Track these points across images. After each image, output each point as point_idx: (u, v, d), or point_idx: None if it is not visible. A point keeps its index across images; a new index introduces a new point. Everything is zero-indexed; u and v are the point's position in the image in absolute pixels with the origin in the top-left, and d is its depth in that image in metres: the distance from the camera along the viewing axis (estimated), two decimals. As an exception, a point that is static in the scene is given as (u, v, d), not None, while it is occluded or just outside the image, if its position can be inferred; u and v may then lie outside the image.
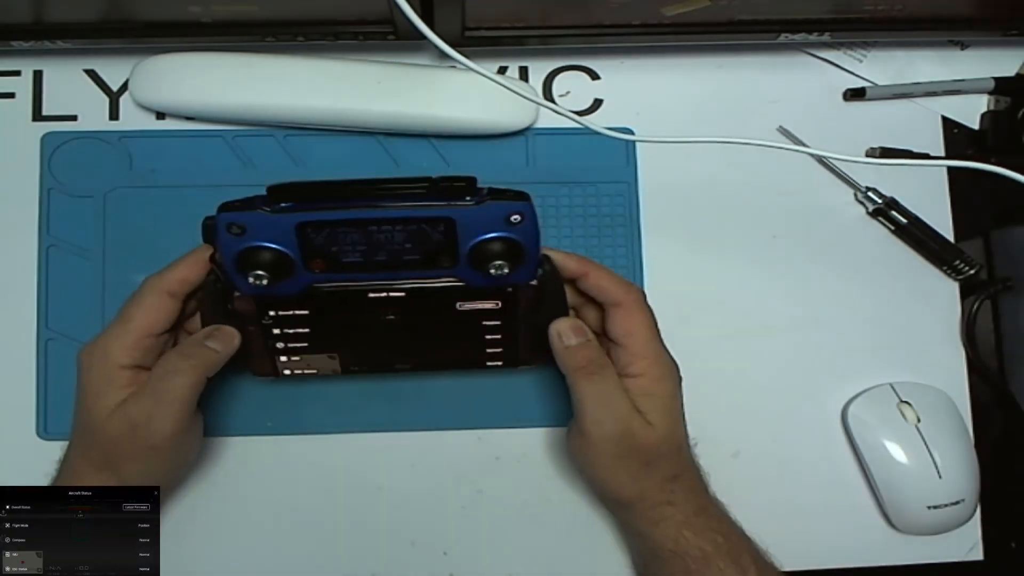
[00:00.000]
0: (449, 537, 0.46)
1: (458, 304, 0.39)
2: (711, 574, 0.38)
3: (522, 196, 0.35)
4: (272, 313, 0.39)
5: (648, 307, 0.41)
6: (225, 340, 0.38)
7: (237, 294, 0.38)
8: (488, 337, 0.41)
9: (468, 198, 0.34)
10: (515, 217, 0.35)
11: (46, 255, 0.46)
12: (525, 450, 0.47)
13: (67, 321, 0.46)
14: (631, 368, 0.39)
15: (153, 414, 0.37)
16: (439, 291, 0.38)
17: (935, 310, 0.49)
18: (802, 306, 0.49)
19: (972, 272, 0.48)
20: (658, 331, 0.41)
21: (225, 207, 0.34)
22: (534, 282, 0.38)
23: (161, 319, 0.38)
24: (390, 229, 0.35)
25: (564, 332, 0.39)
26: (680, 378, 0.41)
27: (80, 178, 0.47)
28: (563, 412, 0.46)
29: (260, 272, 0.35)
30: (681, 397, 0.41)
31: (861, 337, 0.49)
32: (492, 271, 0.36)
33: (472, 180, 0.34)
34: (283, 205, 0.34)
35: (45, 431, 0.46)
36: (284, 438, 0.46)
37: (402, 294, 0.38)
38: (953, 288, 0.50)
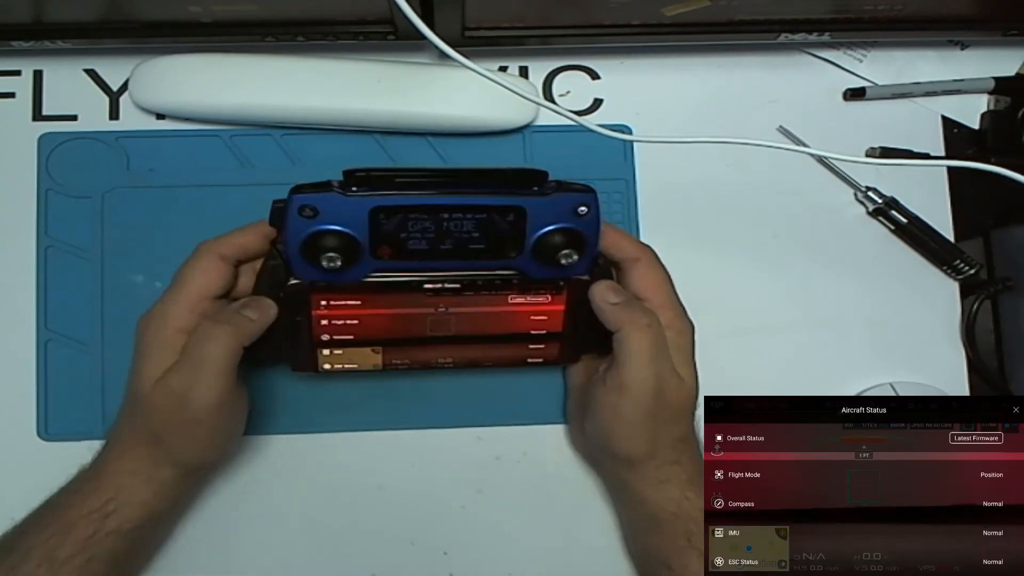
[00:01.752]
0: (449, 537, 0.46)
1: (510, 298, 0.39)
2: None
3: (588, 189, 0.36)
4: (324, 302, 0.38)
5: (663, 264, 0.41)
6: (261, 309, 0.38)
7: (292, 282, 0.38)
8: (534, 333, 0.41)
9: (538, 189, 0.36)
10: (582, 209, 0.36)
11: (45, 256, 0.46)
12: (525, 450, 0.47)
13: (66, 321, 0.46)
14: None
15: (193, 384, 0.36)
16: (493, 285, 0.38)
17: (935, 310, 0.49)
18: (802, 306, 0.49)
19: (972, 272, 0.48)
20: (675, 287, 0.41)
21: (298, 189, 0.35)
22: (586, 277, 0.39)
23: (215, 281, 0.38)
24: (461, 217, 0.36)
25: (607, 292, 0.39)
26: (694, 337, 0.41)
27: (77, 179, 0.47)
28: (563, 412, 0.46)
29: (332, 254, 0.35)
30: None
31: (861, 337, 0.49)
32: (563, 261, 0.37)
33: (544, 173, 0.36)
34: (357, 189, 0.35)
35: (46, 432, 0.45)
36: (283, 437, 0.46)
37: (457, 285, 0.38)
38: (953, 288, 0.50)
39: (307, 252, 0.36)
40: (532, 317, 0.40)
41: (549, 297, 0.40)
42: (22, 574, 0.36)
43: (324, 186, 0.35)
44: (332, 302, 0.38)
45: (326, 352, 0.40)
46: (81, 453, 0.41)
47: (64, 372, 0.46)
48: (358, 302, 0.39)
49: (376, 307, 0.39)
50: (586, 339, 0.41)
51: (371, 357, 0.41)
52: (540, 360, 0.42)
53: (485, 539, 0.46)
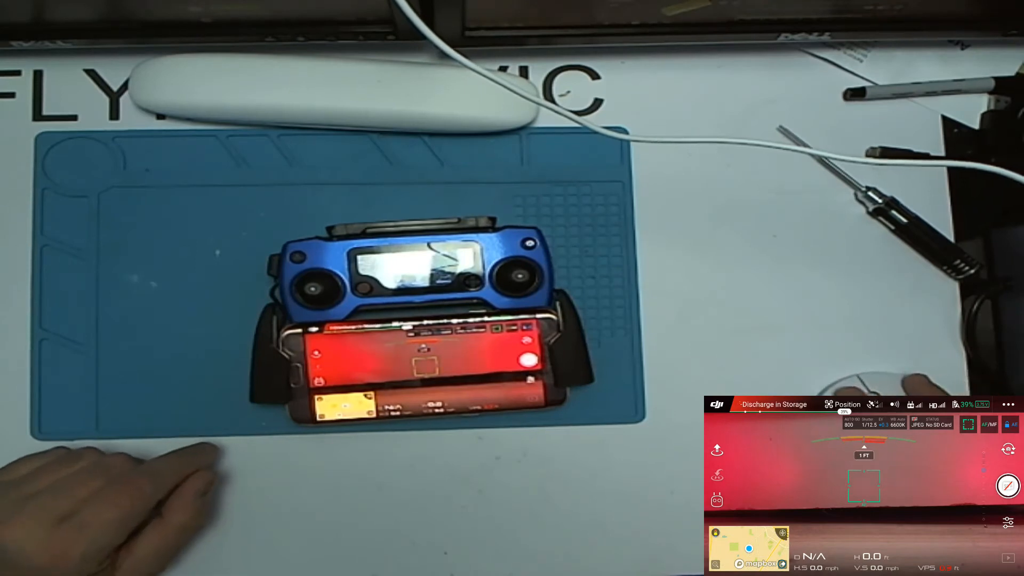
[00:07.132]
0: (449, 537, 0.46)
1: (485, 336, 0.44)
2: None
3: (533, 228, 0.45)
4: (316, 352, 0.43)
5: None
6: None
7: (286, 333, 0.43)
8: (514, 371, 0.44)
9: (489, 229, 0.45)
10: (529, 242, 0.45)
11: (40, 255, 0.46)
12: (525, 450, 0.47)
13: (61, 321, 0.46)
14: None
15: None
16: (467, 324, 0.44)
17: (935, 310, 0.49)
18: (802, 306, 0.49)
19: (972, 272, 0.48)
20: None
21: (290, 242, 0.44)
22: (552, 315, 0.44)
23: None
24: (425, 256, 0.44)
25: None
26: None
27: (74, 178, 0.47)
28: (563, 412, 0.46)
29: (314, 285, 0.43)
30: None
31: (861, 337, 0.49)
32: (518, 277, 0.44)
33: (493, 219, 0.45)
34: (337, 235, 0.44)
35: (39, 431, 0.46)
36: (283, 438, 0.46)
37: (432, 321, 0.44)
38: (953, 288, 0.50)
39: (298, 289, 0.43)
40: (511, 355, 0.44)
41: (522, 333, 0.44)
42: None
43: (310, 239, 0.44)
44: (324, 345, 0.43)
45: (321, 399, 0.44)
46: (79, 453, 0.41)
47: (58, 371, 0.46)
48: (347, 341, 0.44)
49: (363, 347, 0.44)
50: (567, 372, 0.44)
51: (364, 403, 0.44)
52: (528, 403, 0.45)
53: (485, 539, 0.46)
